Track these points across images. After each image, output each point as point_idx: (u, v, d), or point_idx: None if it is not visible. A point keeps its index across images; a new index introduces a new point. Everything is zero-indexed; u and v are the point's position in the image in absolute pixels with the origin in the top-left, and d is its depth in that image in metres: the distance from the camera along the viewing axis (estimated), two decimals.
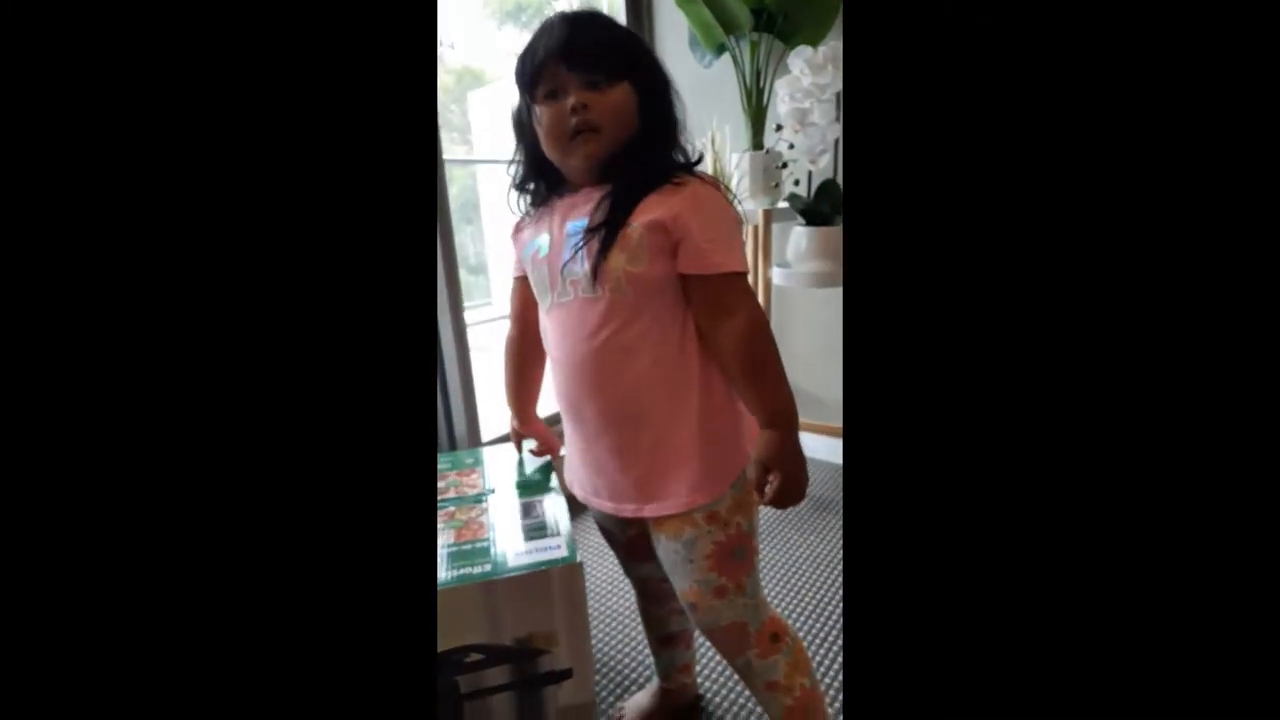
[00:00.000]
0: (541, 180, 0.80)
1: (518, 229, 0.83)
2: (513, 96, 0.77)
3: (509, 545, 0.79)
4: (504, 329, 0.92)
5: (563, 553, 0.76)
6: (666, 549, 0.77)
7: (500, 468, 0.99)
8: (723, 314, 0.70)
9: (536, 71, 0.70)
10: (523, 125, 0.77)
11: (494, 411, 1.53)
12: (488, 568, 0.75)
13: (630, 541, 0.89)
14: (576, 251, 0.71)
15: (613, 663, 1.12)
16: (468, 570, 0.75)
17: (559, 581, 0.75)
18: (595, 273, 0.70)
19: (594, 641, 1.15)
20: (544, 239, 0.76)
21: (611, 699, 1.04)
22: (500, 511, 0.87)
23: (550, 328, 0.78)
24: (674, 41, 1.81)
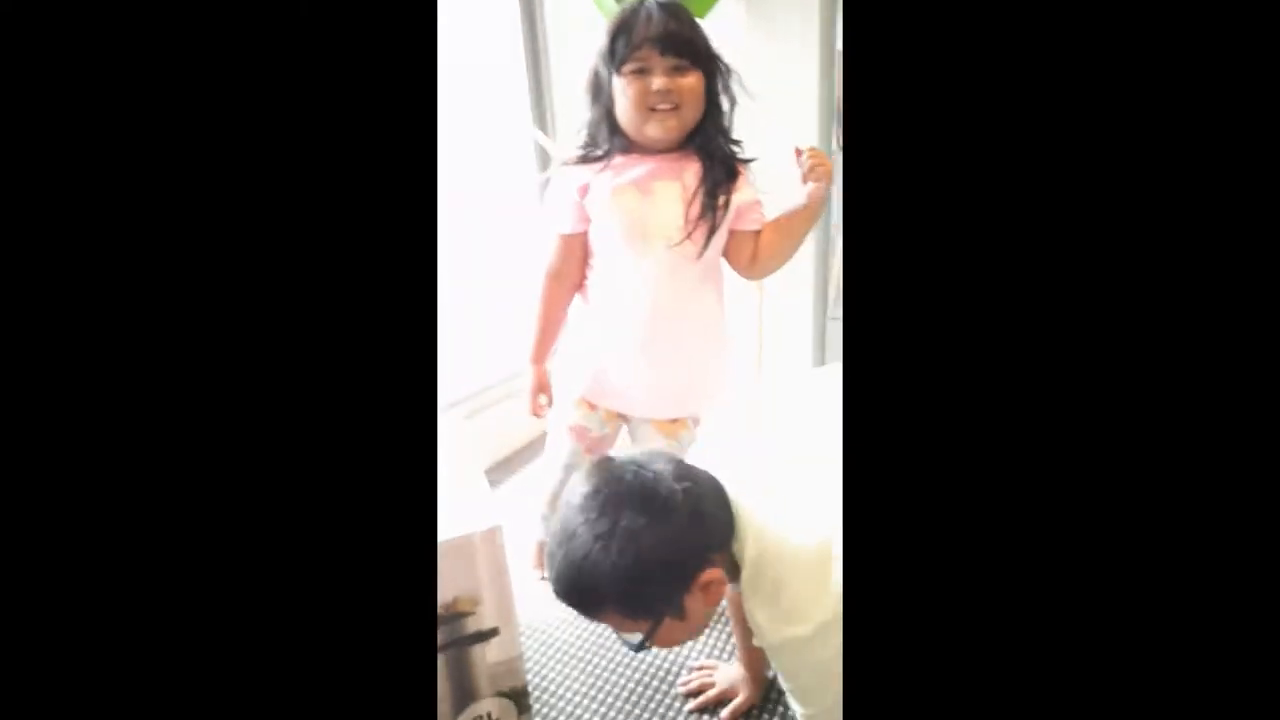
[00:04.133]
0: (615, 140, 0.92)
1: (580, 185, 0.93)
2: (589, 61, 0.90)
3: None
4: None
5: (483, 518, 0.80)
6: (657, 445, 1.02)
7: None
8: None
9: (629, 51, 0.84)
10: (599, 90, 0.90)
11: None
12: None
13: (604, 440, 1.08)
14: (706, 214, 0.89)
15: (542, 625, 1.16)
16: None
17: (481, 545, 0.78)
18: (709, 236, 0.90)
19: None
20: (632, 196, 0.90)
21: (536, 658, 1.09)
22: None
23: (638, 276, 0.93)
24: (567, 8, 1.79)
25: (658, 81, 0.85)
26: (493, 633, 0.83)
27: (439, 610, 0.79)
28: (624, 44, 0.85)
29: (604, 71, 0.88)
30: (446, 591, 0.79)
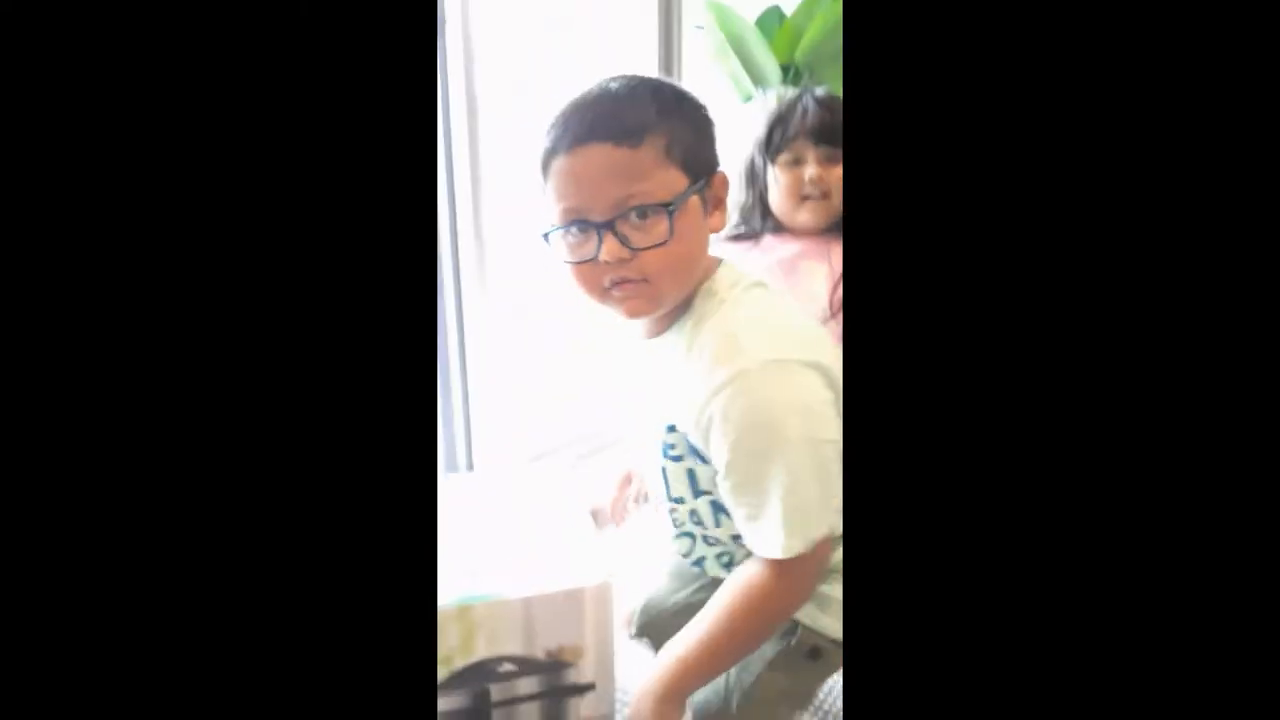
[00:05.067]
0: (765, 223, 1.03)
1: None
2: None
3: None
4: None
5: (596, 571, 0.82)
6: None
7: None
8: None
9: (784, 143, 0.93)
10: (754, 176, 0.98)
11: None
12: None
13: None
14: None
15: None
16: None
17: (591, 598, 0.80)
18: None
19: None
20: (777, 275, 0.95)
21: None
22: None
23: None
24: (702, 89, 1.90)
25: (810, 171, 0.91)
26: (589, 687, 0.84)
27: (543, 656, 0.81)
28: (780, 136, 0.92)
29: (759, 160, 0.95)
30: (552, 639, 0.81)
